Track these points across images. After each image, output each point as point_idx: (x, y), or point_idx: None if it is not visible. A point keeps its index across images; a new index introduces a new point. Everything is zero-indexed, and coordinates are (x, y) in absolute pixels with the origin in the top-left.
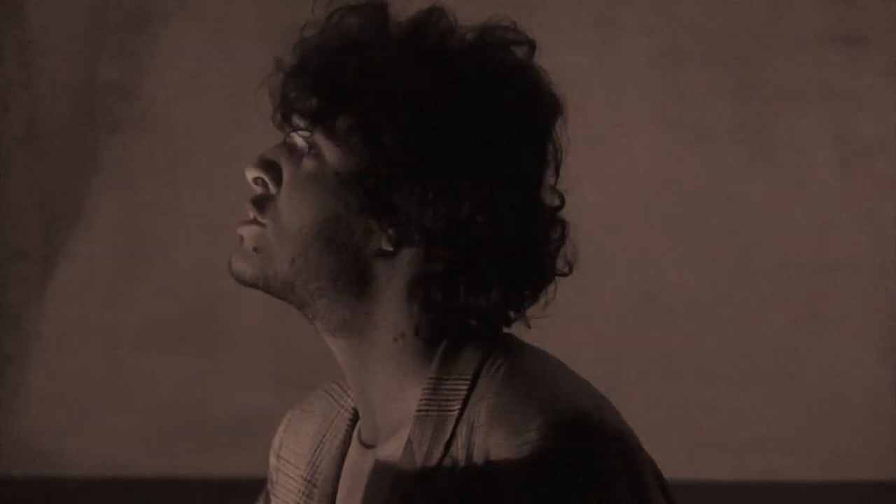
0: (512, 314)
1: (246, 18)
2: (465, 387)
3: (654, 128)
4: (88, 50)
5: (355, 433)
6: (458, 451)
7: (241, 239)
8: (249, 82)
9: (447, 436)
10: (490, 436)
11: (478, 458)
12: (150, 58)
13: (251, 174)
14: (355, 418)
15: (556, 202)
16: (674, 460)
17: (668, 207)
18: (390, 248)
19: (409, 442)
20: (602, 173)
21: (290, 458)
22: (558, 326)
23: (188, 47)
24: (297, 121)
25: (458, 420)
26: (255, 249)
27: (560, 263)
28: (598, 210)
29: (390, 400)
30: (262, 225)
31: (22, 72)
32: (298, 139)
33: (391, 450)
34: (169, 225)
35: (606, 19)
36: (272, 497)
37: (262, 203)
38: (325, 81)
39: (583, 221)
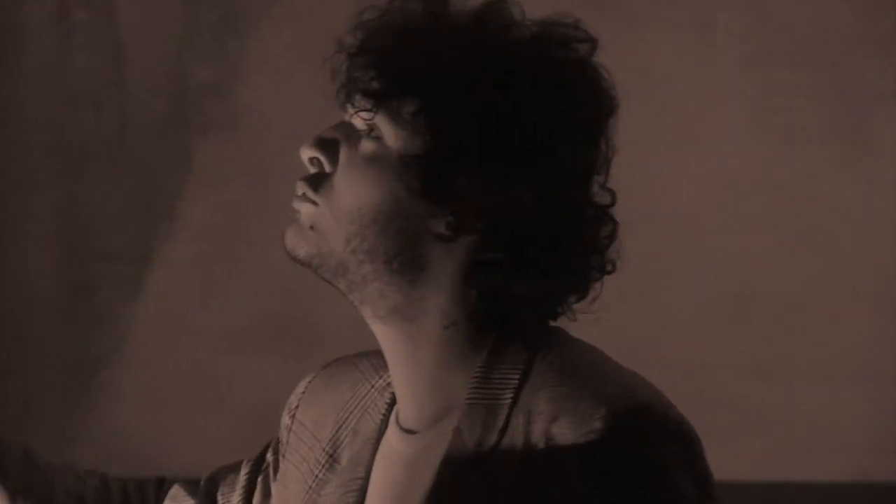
0: (560, 308)
1: (338, 18)
2: (516, 376)
3: (747, 129)
4: (180, 50)
5: (393, 417)
6: (515, 437)
7: (297, 213)
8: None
9: (500, 423)
10: (552, 424)
11: (538, 444)
12: (242, 58)
13: (307, 154)
14: (392, 402)
15: (608, 200)
16: (765, 461)
17: (761, 209)
18: (448, 234)
19: (459, 429)
20: (694, 174)
21: (307, 424)
22: (649, 326)
23: (279, 47)
24: (361, 101)
25: (511, 408)
26: (311, 227)
27: (608, 262)
28: (690, 211)
29: (435, 387)
30: (317, 204)
31: (114, 72)
32: (357, 120)
33: (436, 436)
34: (261, 226)
35: (699, 20)
36: (281, 458)
37: (315, 182)
38: (390, 63)
39: (674, 223)
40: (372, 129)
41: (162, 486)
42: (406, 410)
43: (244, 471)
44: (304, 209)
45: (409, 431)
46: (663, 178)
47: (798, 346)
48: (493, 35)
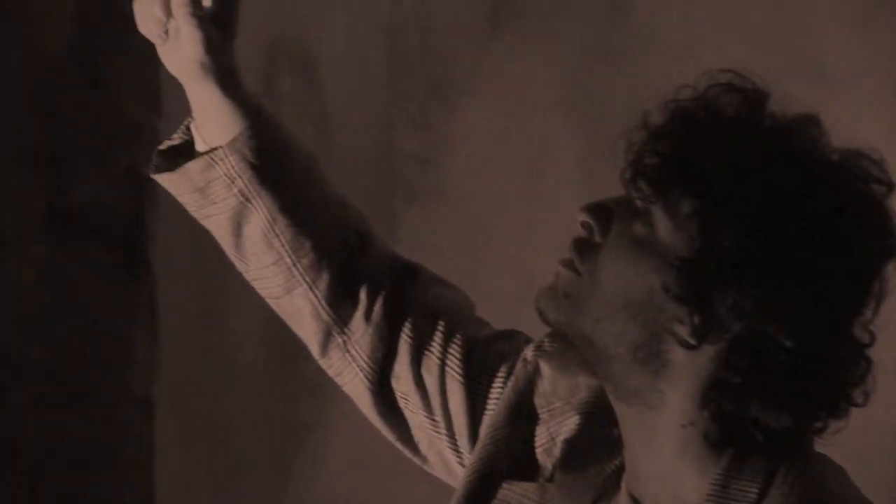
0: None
1: (546, 87)
2: (755, 490)
3: None
4: (386, 119)
5: (624, 484)
6: None
7: (557, 276)
8: (548, 153)
9: None
10: None
11: None
12: (448, 128)
13: (582, 217)
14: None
15: (867, 339)
16: None
17: None
18: (691, 341)
19: None
20: None
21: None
22: None
23: (486, 117)
24: (643, 186)
25: None
26: (565, 294)
27: (857, 397)
28: None
29: (665, 478)
30: (579, 273)
31: (320, 143)
32: (638, 200)
33: None
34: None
35: None
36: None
37: (583, 249)
38: (682, 157)
39: None
40: (647, 213)
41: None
42: (631, 484)
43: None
44: (564, 275)
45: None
46: None
47: None
48: (795, 152)
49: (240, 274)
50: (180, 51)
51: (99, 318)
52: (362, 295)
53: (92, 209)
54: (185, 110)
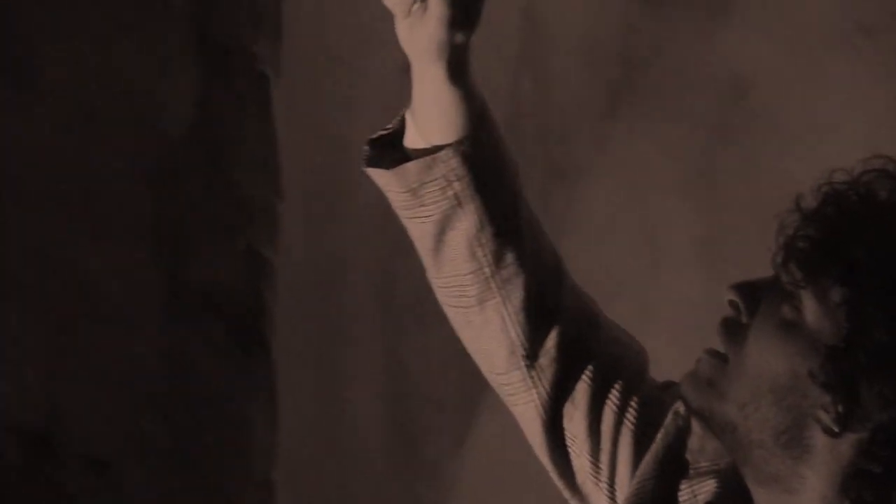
0: None
1: (665, 169)
2: None
3: None
4: None
5: None
6: None
7: (699, 362)
8: (667, 234)
9: None
10: None
11: None
12: (567, 210)
13: (729, 295)
14: None
15: None
16: None
17: None
18: (836, 430)
19: None
20: None
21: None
22: None
23: (605, 198)
24: (794, 269)
25: None
26: (709, 382)
27: None
28: None
29: None
30: (724, 359)
31: None
32: (788, 283)
33: None
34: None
35: None
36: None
37: (730, 329)
38: (835, 244)
39: None
40: (796, 297)
41: None
42: None
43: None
44: (708, 363)
45: None
46: None
47: None
48: None
49: (357, 356)
50: (421, 28)
51: (218, 398)
52: (553, 324)
53: (211, 288)
54: (304, 191)
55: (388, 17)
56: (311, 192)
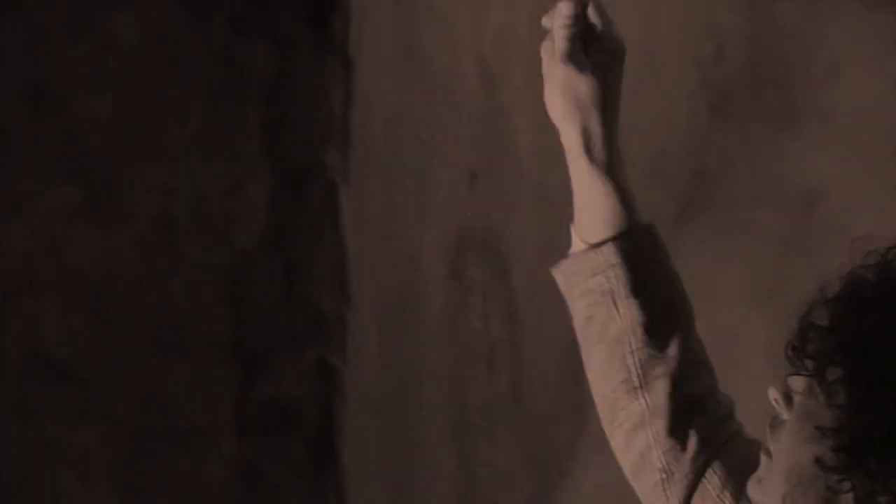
0: None
1: (736, 279)
2: None
3: None
4: None
5: None
6: None
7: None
8: (738, 344)
9: None
10: None
11: None
12: None
13: (772, 394)
14: None
15: None
16: None
17: None
18: None
19: None
20: None
21: None
22: None
23: None
24: (804, 359)
25: None
26: (759, 480)
27: None
28: None
29: None
30: (770, 455)
31: (508, 334)
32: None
33: None
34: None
35: None
36: None
37: (774, 427)
38: (838, 328)
39: None
40: (812, 386)
41: None
42: None
43: None
44: (761, 461)
45: None
46: None
47: None
48: None
49: (429, 467)
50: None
51: None
52: (693, 436)
53: (282, 402)
54: (375, 301)
55: (455, 127)
56: (382, 302)
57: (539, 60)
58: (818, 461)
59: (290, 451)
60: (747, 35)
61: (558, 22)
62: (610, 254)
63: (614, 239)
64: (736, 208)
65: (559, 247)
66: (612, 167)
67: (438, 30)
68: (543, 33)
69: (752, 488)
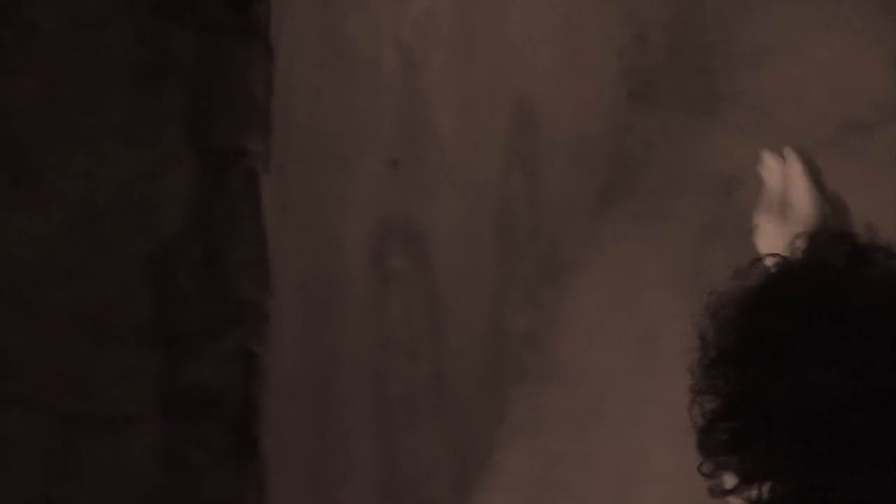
0: None
1: (657, 266)
2: None
3: None
4: (495, 300)
5: None
6: None
7: None
8: (659, 331)
9: None
10: None
11: None
12: (558, 307)
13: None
14: None
15: None
16: None
17: None
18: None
19: None
20: None
21: None
22: None
23: (596, 296)
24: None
25: None
26: None
27: None
28: None
29: None
30: None
31: (430, 322)
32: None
33: None
34: (580, 477)
35: None
36: None
37: None
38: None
39: None
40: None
41: None
42: None
43: None
44: None
45: None
46: None
47: None
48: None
49: (350, 454)
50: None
51: (209, 498)
52: None
53: (204, 388)
54: (297, 288)
55: (376, 114)
56: (303, 290)
57: (461, 48)
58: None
59: (211, 437)
60: (669, 22)
61: (766, 172)
62: None
63: None
64: (657, 195)
65: (481, 235)
66: None
67: (360, 16)
68: (467, 20)
69: None
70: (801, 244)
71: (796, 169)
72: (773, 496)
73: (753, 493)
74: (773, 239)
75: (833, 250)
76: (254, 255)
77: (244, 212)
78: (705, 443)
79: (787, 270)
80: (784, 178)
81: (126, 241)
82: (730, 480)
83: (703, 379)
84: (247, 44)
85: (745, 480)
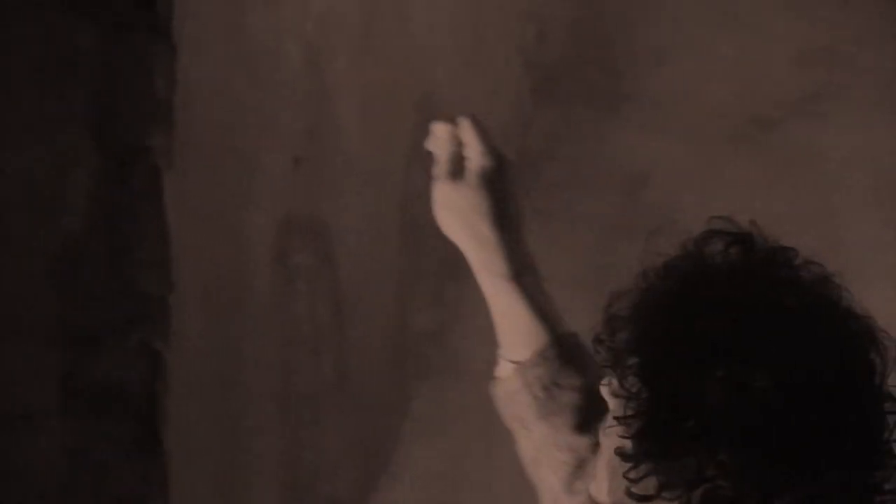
0: None
1: (562, 263)
2: None
3: None
4: (398, 296)
5: None
6: None
7: None
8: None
9: None
10: None
11: None
12: (461, 303)
13: (603, 390)
14: None
15: None
16: None
17: None
18: (653, 493)
19: None
20: None
21: None
22: None
23: None
24: (602, 350)
25: None
26: (593, 476)
27: None
28: None
29: None
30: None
31: (334, 318)
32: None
33: None
34: (483, 472)
35: None
36: None
37: (602, 422)
38: (632, 322)
39: None
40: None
41: None
42: None
43: None
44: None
45: None
46: None
47: None
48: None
49: (254, 451)
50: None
51: (115, 495)
52: None
53: (108, 384)
54: (200, 284)
55: (279, 110)
56: (206, 287)
57: (364, 44)
58: (617, 451)
59: (115, 433)
60: (570, 19)
61: (433, 144)
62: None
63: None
64: (560, 191)
65: (385, 232)
66: (517, 276)
67: (263, 11)
68: (370, 17)
69: (591, 486)
70: (697, 245)
71: (465, 125)
72: (705, 502)
73: (683, 499)
74: (451, 198)
75: (740, 251)
76: (157, 251)
77: (147, 208)
78: (633, 448)
79: (703, 272)
80: (455, 139)
81: (29, 238)
82: (653, 485)
83: (622, 383)
84: (150, 40)
85: (672, 486)
